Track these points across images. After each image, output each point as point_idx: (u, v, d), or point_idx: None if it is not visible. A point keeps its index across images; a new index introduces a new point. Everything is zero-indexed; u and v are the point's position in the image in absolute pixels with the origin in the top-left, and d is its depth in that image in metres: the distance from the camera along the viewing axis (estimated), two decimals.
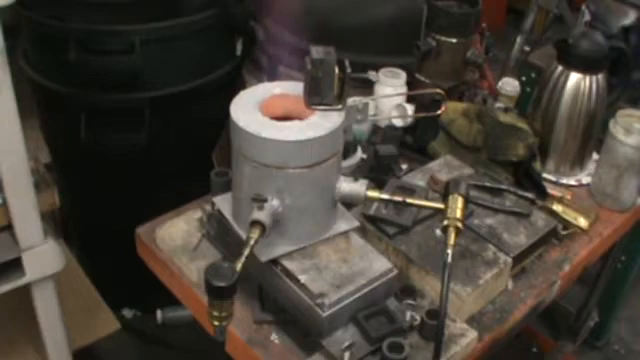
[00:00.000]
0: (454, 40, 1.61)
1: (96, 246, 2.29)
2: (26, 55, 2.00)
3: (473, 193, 1.31)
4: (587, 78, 1.54)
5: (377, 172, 1.43)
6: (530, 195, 1.41)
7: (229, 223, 1.21)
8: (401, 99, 1.64)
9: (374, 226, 1.31)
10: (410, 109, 1.62)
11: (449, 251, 1.04)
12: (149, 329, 2.30)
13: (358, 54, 1.72)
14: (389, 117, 1.62)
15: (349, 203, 1.22)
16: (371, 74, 1.42)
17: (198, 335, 1.30)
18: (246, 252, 1.02)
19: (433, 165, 1.50)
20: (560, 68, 1.57)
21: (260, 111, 1.12)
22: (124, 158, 1.97)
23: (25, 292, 1.54)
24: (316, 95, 1.09)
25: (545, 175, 1.60)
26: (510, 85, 1.67)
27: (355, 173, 1.26)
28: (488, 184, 1.42)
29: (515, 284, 1.34)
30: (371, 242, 1.24)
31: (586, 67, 1.54)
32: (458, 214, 1.08)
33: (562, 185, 1.61)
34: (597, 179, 1.57)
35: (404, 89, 1.67)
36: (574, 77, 1.55)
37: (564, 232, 1.44)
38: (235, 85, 2.06)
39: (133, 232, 1.40)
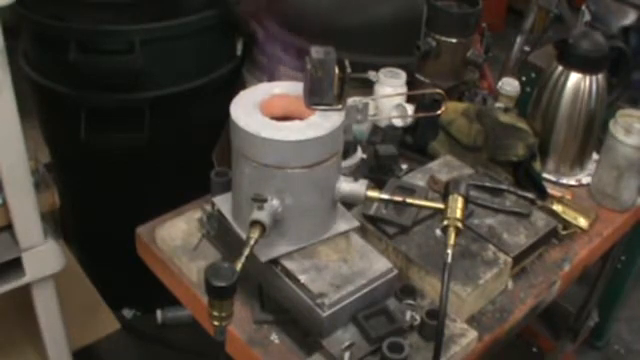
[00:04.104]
0: (454, 40, 1.61)
1: (96, 246, 2.29)
2: (26, 55, 1.99)
3: (473, 193, 1.31)
4: (587, 78, 1.55)
5: (377, 172, 1.43)
6: (530, 195, 1.41)
7: (229, 223, 1.21)
8: (401, 99, 1.64)
9: (374, 226, 1.31)
10: (410, 109, 1.61)
11: (449, 251, 1.04)
12: (149, 329, 2.30)
13: (358, 54, 1.72)
14: (389, 117, 1.62)
15: (349, 203, 1.22)
16: (371, 74, 1.41)
17: (198, 335, 1.30)
18: (246, 252, 1.02)
19: (433, 165, 1.50)
20: (560, 68, 1.57)
21: (260, 111, 1.12)
22: (124, 158, 1.97)
23: (25, 292, 1.54)
24: (316, 95, 1.09)
25: (545, 175, 1.60)
26: (510, 85, 1.67)
27: (355, 173, 1.26)
28: (488, 184, 1.42)
29: (515, 284, 1.34)
30: (371, 242, 1.24)
31: (586, 67, 1.54)
32: (458, 214, 1.08)
33: (562, 185, 1.61)
34: (597, 179, 1.57)
35: (404, 89, 1.67)
36: (574, 77, 1.55)
37: (564, 232, 1.44)
38: (235, 85, 2.06)
39: (133, 232, 1.40)
